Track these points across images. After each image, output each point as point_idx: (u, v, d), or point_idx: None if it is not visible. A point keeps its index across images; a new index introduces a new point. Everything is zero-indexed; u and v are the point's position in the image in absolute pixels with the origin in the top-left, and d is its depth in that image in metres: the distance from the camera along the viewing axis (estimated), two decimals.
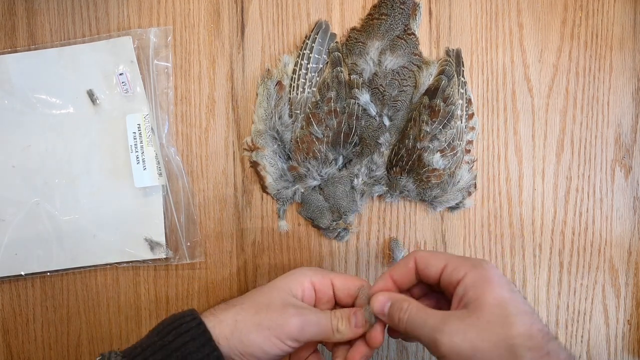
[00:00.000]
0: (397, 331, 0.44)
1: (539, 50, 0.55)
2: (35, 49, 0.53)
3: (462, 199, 0.54)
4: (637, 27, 0.55)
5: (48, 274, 0.55)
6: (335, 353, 0.46)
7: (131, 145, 0.53)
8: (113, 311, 0.56)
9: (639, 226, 0.56)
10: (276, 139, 0.53)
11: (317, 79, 0.53)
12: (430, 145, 0.51)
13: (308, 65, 0.52)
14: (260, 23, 0.54)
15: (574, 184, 0.56)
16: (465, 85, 0.54)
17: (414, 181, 0.52)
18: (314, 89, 0.53)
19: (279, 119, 0.52)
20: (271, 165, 0.53)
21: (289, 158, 0.53)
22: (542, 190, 0.56)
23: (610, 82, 0.55)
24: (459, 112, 0.52)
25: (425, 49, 0.54)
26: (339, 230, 0.54)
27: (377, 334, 0.43)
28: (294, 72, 0.53)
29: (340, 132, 0.51)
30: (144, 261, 0.55)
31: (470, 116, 0.54)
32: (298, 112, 0.52)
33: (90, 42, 0.53)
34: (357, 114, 0.52)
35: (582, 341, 0.57)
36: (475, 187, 0.55)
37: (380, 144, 0.52)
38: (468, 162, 0.54)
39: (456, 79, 0.52)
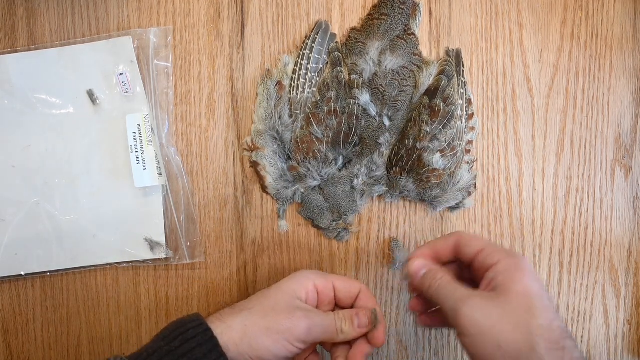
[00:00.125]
0: (424, 319, 0.46)
1: (539, 50, 0.55)
2: (35, 49, 0.53)
3: (462, 199, 0.54)
4: (637, 27, 0.55)
5: (48, 274, 0.55)
6: (335, 353, 0.47)
7: (131, 145, 0.53)
8: (113, 311, 0.56)
9: (639, 226, 0.56)
10: (276, 139, 0.53)
11: (317, 79, 0.53)
12: (430, 145, 0.51)
13: (308, 65, 0.52)
14: (260, 23, 0.54)
15: (574, 184, 0.56)
16: (465, 85, 0.54)
17: (414, 181, 0.52)
18: (314, 89, 0.53)
19: (279, 119, 0.52)
20: (271, 165, 0.53)
21: (289, 158, 0.53)
22: (542, 190, 0.56)
23: (610, 82, 0.55)
24: (459, 112, 0.52)
25: (425, 49, 0.54)
26: (339, 230, 0.54)
27: (380, 334, 0.46)
28: (294, 72, 0.53)
29: (340, 132, 0.51)
30: (144, 261, 0.55)
31: (470, 116, 0.54)
32: (298, 112, 0.52)
33: (90, 42, 0.53)
34: (357, 114, 0.52)
35: (582, 341, 0.57)
36: (475, 187, 0.55)
37: (380, 144, 0.52)
38: (468, 162, 0.54)
39: (456, 79, 0.52)
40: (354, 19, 0.54)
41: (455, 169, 0.52)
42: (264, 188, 0.54)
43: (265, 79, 0.53)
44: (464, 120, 0.53)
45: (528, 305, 0.38)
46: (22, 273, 0.54)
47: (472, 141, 0.54)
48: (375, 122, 0.52)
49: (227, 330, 0.42)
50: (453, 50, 0.54)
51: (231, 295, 0.56)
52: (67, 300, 0.56)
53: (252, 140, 0.53)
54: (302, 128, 0.52)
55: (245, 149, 0.54)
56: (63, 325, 0.56)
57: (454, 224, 0.56)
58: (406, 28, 0.53)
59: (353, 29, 0.54)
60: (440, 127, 0.51)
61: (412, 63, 0.53)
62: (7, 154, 0.54)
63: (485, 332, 0.38)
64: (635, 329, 0.57)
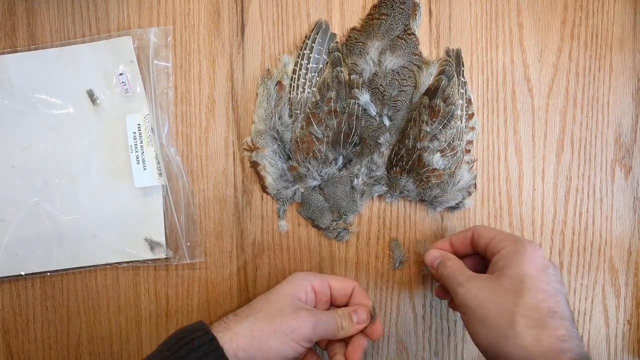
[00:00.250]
0: (442, 293, 0.51)
1: (539, 50, 0.55)
2: (35, 49, 0.53)
3: (462, 199, 0.54)
4: (637, 27, 0.55)
5: (48, 274, 0.55)
6: (332, 351, 0.49)
7: (131, 145, 0.53)
8: (113, 311, 0.56)
9: (639, 226, 0.56)
10: (276, 139, 0.53)
11: (317, 79, 0.53)
12: (430, 145, 0.51)
13: (308, 65, 0.52)
14: (260, 23, 0.54)
15: (574, 184, 0.56)
16: (465, 85, 0.54)
17: (414, 181, 0.52)
18: (314, 89, 0.53)
19: (279, 119, 0.52)
20: (271, 165, 0.53)
21: (289, 158, 0.53)
22: (542, 190, 0.56)
23: (610, 82, 0.55)
24: (459, 112, 0.52)
25: (425, 49, 0.54)
26: (339, 230, 0.54)
27: (378, 327, 0.49)
28: (294, 72, 0.53)
29: (340, 132, 0.51)
30: (144, 261, 0.55)
31: (470, 116, 0.54)
32: (298, 112, 0.52)
33: (90, 42, 0.53)
34: (357, 114, 0.52)
35: (582, 341, 0.57)
36: (475, 187, 0.55)
37: (380, 144, 0.52)
38: (468, 162, 0.54)
39: (456, 79, 0.52)
40: (354, 19, 0.54)
41: (455, 169, 0.52)
42: (264, 188, 0.54)
43: (265, 79, 0.53)
44: (464, 120, 0.53)
45: (517, 286, 0.41)
46: (22, 273, 0.54)
47: (472, 141, 0.54)
48: (375, 122, 0.52)
49: (235, 337, 0.43)
50: (453, 50, 0.54)
51: (231, 295, 0.56)
52: (67, 300, 0.56)
53: (252, 140, 0.53)
54: (302, 128, 0.52)
55: (245, 149, 0.54)
56: (63, 325, 0.56)
57: (454, 224, 0.56)
58: (406, 28, 0.53)
59: (353, 29, 0.54)
60: (440, 127, 0.51)
61: (412, 63, 0.53)
62: (7, 154, 0.54)
63: (475, 310, 0.42)
64: (635, 329, 0.57)
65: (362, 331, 0.49)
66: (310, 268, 0.56)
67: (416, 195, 0.53)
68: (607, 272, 0.57)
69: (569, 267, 0.56)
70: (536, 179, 0.56)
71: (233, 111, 0.55)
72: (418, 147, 0.51)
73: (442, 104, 0.51)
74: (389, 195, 0.54)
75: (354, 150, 0.53)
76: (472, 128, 0.54)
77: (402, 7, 0.52)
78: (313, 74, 0.53)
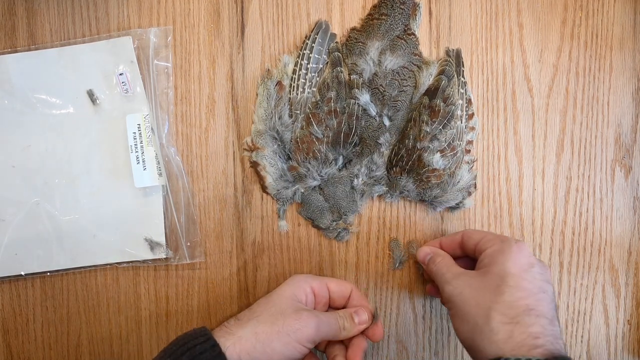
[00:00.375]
0: (434, 291, 0.52)
1: (539, 50, 0.55)
2: (36, 49, 0.53)
3: (462, 199, 0.54)
4: (637, 27, 0.55)
5: (48, 274, 0.55)
6: (332, 353, 0.49)
7: (131, 145, 0.53)
8: (113, 311, 0.56)
9: (639, 226, 0.56)
10: (276, 139, 0.53)
11: (317, 79, 0.53)
12: (430, 145, 0.51)
13: (308, 65, 0.52)
14: (260, 23, 0.54)
15: (574, 184, 0.56)
16: (465, 85, 0.54)
17: (414, 181, 0.52)
18: (314, 89, 0.53)
19: (279, 119, 0.52)
20: (271, 165, 0.53)
21: (289, 158, 0.53)
22: (542, 190, 0.56)
23: (610, 82, 0.55)
24: (459, 112, 0.52)
25: (425, 49, 0.54)
26: (339, 230, 0.54)
27: (379, 329, 0.49)
28: (294, 72, 0.53)
29: (340, 132, 0.51)
30: (144, 261, 0.55)
31: (470, 116, 0.54)
32: (298, 112, 0.52)
33: (90, 42, 0.53)
34: (357, 114, 0.52)
35: (582, 341, 0.57)
36: (475, 187, 0.55)
37: (380, 144, 0.52)
38: (468, 162, 0.54)
39: (456, 79, 0.52)
40: (354, 19, 0.54)
41: (455, 169, 0.52)
42: (264, 188, 0.54)
43: (265, 79, 0.53)
44: (464, 120, 0.53)
45: (498, 283, 0.41)
46: (22, 273, 0.54)
47: (472, 141, 0.54)
48: (375, 122, 0.52)
49: (239, 341, 0.44)
50: (453, 50, 0.54)
51: (231, 295, 0.56)
52: (67, 300, 0.56)
53: (252, 140, 0.53)
54: (302, 128, 0.52)
55: (245, 149, 0.54)
56: (63, 325, 0.56)
57: (454, 224, 0.56)
58: (406, 28, 0.53)
59: (353, 29, 0.54)
60: (440, 127, 0.51)
61: (412, 63, 0.53)
62: (7, 154, 0.54)
63: (459, 307, 0.43)
64: (635, 329, 0.57)
65: (363, 332, 0.49)
66: (310, 268, 0.56)
67: (416, 195, 0.53)
68: (607, 272, 0.57)
69: (569, 267, 0.56)
70: (536, 179, 0.56)
71: (233, 111, 0.55)
72: (418, 147, 0.51)
73: (442, 104, 0.51)
74: (389, 195, 0.54)
75: (354, 150, 0.53)
76: (472, 128, 0.54)
77: (402, 7, 0.52)
78: (313, 74, 0.53)
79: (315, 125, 0.51)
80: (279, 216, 0.55)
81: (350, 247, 0.56)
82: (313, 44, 0.53)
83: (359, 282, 0.56)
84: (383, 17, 0.52)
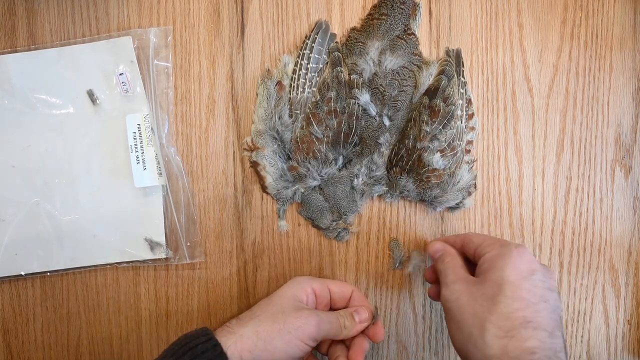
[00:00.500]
0: (434, 294, 0.50)
1: (539, 50, 0.55)
2: (35, 49, 0.53)
3: (462, 199, 0.54)
4: (637, 27, 0.55)
5: (48, 274, 0.55)
6: (334, 354, 0.50)
7: (131, 145, 0.53)
8: (113, 311, 0.56)
9: (639, 226, 0.56)
10: (276, 139, 0.53)
11: (317, 79, 0.53)
12: (430, 145, 0.51)
13: (308, 65, 0.52)
14: (260, 23, 0.54)
15: (574, 184, 0.56)
16: (465, 85, 0.54)
17: (414, 181, 0.52)
18: (314, 89, 0.53)
19: (279, 119, 0.52)
20: (271, 165, 0.53)
21: (289, 158, 0.53)
22: (542, 190, 0.56)
23: (610, 82, 0.55)
24: (459, 112, 0.52)
25: (425, 49, 0.54)
26: (339, 230, 0.54)
27: (380, 329, 0.50)
28: (294, 72, 0.53)
29: (340, 132, 0.51)
30: (144, 261, 0.55)
31: (470, 116, 0.54)
32: (298, 112, 0.52)
33: (90, 42, 0.53)
34: (357, 114, 0.52)
35: (582, 341, 0.57)
36: (475, 187, 0.55)
37: (380, 144, 0.52)
38: (468, 162, 0.54)
39: (456, 79, 0.52)
40: (354, 19, 0.54)
41: (455, 169, 0.52)
42: (264, 188, 0.54)
43: (265, 79, 0.53)
44: (464, 120, 0.53)
45: (495, 293, 0.40)
46: (22, 273, 0.54)
47: (472, 141, 0.54)
48: (375, 122, 0.52)
49: (240, 339, 0.44)
50: (453, 50, 0.54)
51: (231, 295, 0.56)
52: (67, 300, 0.56)
53: (252, 140, 0.53)
54: (302, 128, 0.52)
55: (245, 149, 0.54)
56: (63, 325, 0.56)
57: (454, 224, 0.56)
58: (406, 28, 0.53)
59: (353, 29, 0.54)
60: (440, 127, 0.51)
61: (412, 63, 0.53)
62: (7, 154, 0.54)
63: (454, 313, 0.42)
64: (635, 329, 0.57)
65: (364, 333, 0.50)
66: (310, 268, 0.56)
67: (416, 195, 0.53)
68: (607, 272, 0.57)
69: (569, 267, 0.56)
70: (536, 179, 0.56)
71: (233, 111, 0.55)
72: (418, 147, 0.51)
73: (442, 104, 0.51)
74: (389, 195, 0.54)
75: (354, 150, 0.53)
76: (472, 128, 0.54)
77: (402, 7, 0.52)
78: (313, 74, 0.53)
79: (315, 125, 0.51)
80: (279, 216, 0.55)
81: (350, 247, 0.56)
82: (313, 44, 0.53)
83: (359, 282, 0.56)
84: (383, 17, 0.52)
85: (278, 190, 0.53)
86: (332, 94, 0.51)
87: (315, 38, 0.53)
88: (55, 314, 0.56)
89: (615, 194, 0.56)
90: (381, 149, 0.52)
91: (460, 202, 0.54)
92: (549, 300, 0.40)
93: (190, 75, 0.54)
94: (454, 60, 0.53)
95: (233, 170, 0.55)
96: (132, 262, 0.55)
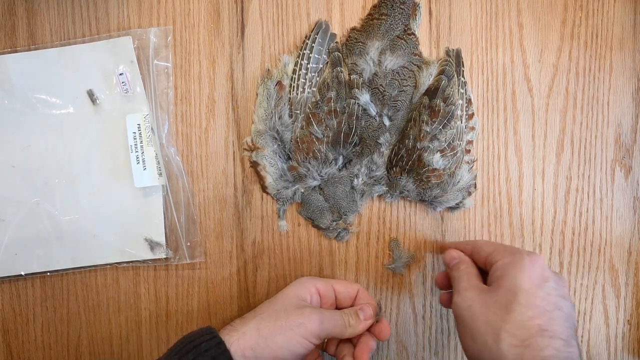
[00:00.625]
0: (446, 301, 0.50)
1: (539, 50, 0.55)
2: (35, 49, 0.53)
3: (462, 199, 0.54)
4: (637, 27, 0.55)
5: (48, 274, 0.55)
6: (341, 353, 0.50)
7: (131, 145, 0.53)
8: (113, 311, 0.56)
9: (639, 226, 0.56)
10: (276, 139, 0.53)
11: (317, 79, 0.53)
12: (430, 145, 0.51)
13: (308, 65, 0.52)
14: (260, 23, 0.54)
15: (574, 184, 0.56)
16: (465, 85, 0.54)
17: (414, 181, 0.52)
18: (314, 89, 0.53)
19: (279, 119, 0.52)
20: (271, 165, 0.53)
21: (289, 158, 0.53)
22: (542, 190, 0.56)
23: (610, 82, 0.55)
24: (459, 112, 0.52)
25: (425, 49, 0.54)
26: (339, 230, 0.54)
27: (385, 326, 0.50)
28: (294, 72, 0.53)
29: (340, 132, 0.51)
30: (144, 261, 0.55)
31: (470, 116, 0.54)
32: (298, 112, 0.52)
33: (90, 42, 0.53)
34: (357, 114, 0.52)
35: (582, 341, 0.57)
36: (475, 187, 0.55)
37: (380, 144, 0.52)
38: (468, 162, 0.54)
39: (456, 79, 0.52)
40: (354, 19, 0.54)
41: (455, 169, 0.52)
42: (264, 188, 0.54)
43: (265, 79, 0.53)
44: (464, 120, 0.53)
45: (509, 300, 0.39)
46: (22, 273, 0.54)
47: (472, 141, 0.54)
48: (375, 122, 0.52)
49: (242, 337, 0.44)
50: (453, 50, 0.54)
51: (231, 295, 0.56)
52: (67, 300, 0.56)
53: (252, 140, 0.53)
54: (302, 128, 0.52)
55: (245, 149, 0.54)
56: (63, 325, 0.56)
57: (454, 224, 0.56)
58: (406, 28, 0.53)
59: (353, 29, 0.54)
60: (440, 127, 0.51)
61: (412, 63, 0.53)
62: (7, 154, 0.54)
63: (466, 321, 0.41)
64: (635, 329, 0.57)
65: (370, 331, 0.50)
66: (310, 268, 0.56)
67: (416, 195, 0.53)
68: (607, 272, 0.57)
69: (569, 267, 0.56)
70: (536, 179, 0.56)
71: (233, 111, 0.55)
72: (418, 147, 0.51)
73: (442, 104, 0.51)
74: (389, 195, 0.54)
75: (354, 150, 0.53)
76: (472, 128, 0.54)
77: (402, 7, 0.52)
78: (313, 74, 0.53)
79: (315, 125, 0.51)
80: (279, 216, 0.55)
81: (350, 247, 0.56)
82: (313, 44, 0.53)
83: (359, 282, 0.56)
84: (383, 17, 0.52)
85: (278, 190, 0.53)
86: (332, 94, 0.51)
87: (315, 38, 0.53)
88: (55, 314, 0.56)
89: (615, 194, 0.56)
90: (381, 149, 0.52)
91: (460, 202, 0.54)
92: (562, 308, 0.39)
93: (190, 75, 0.54)
94: (454, 60, 0.53)
95: (233, 170, 0.55)
96: (132, 262, 0.55)
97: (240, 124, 0.55)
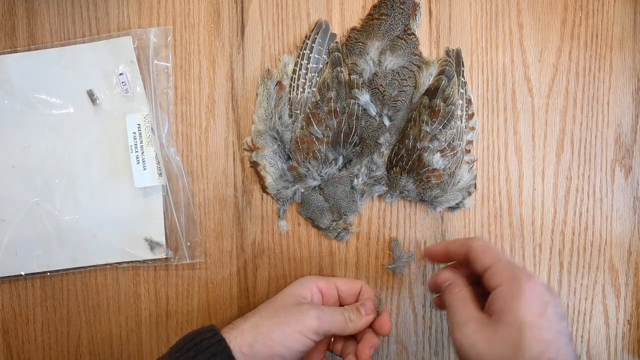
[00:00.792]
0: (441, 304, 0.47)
1: (539, 50, 0.55)
2: (36, 49, 0.53)
3: (462, 199, 0.54)
4: (637, 27, 0.55)
5: (48, 274, 0.55)
6: (345, 351, 0.50)
7: (131, 145, 0.53)
8: (113, 311, 0.56)
9: (639, 226, 0.56)
10: (276, 139, 0.53)
11: (317, 79, 0.53)
12: (430, 145, 0.51)
13: (308, 65, 0.52)
14: (260, 23, 0.54)
15: (574, 184, 0.56)
16: (465, 85, 0.54)
17: (414, 181, 0.52)
18: (314, 89, 0.53)
19: (279, 119, 0.52)
20: (271, 165, 0.53)
21: (289, 158, 0.53)
22: (542, 190, 0.56)
23: (610, 82, 0.55)
24: (459, 112, 0.52)
25: (425, 49, 0.54)
26: (339, 230, 0.54)
27: (386, 321, 0.49)
28: (294, 72, 0.53)
29: (340, 132, 0.51)
30: (144, 261, 0.55)
31: (470, 116, 0.54)
32: (298, 112, 0.52)
33: (90, 42, 0.53)
34: (357, 114, 0.52)
35: (582, 341, 0.57)
36: (475, 187, 0.55)
37: (380, 144, 0.52)
38: (468, 162, 0.54)
39: (456, 79, 0.52)
40: (354, 19, 0.54)
41: (455, 169, 0.52)
42: (264, 188, 0.54)
43: (265, 79, 0.53)
44: (464, 120, 0.53)
45: (517, 338, 0.38)
46: (22, 273, 0.54)
47: (472, 141, 0.54)
48: (375, 122, 0.52)
49: (241, 334, 0.44)
50: (453, 50, 0.54)
51: (231, 295, 0.56)
52: (67, 300, 0.56)
53: (252, 140, 0.53)
54: (302, 128, 0.52)
55: (245, 149, 0.54)
56: (63, 325, 0.56)
57: (454, 224, 0.56)
58: (406, 28, 0.53)
59: (353, 29, 0.54)
60: (440, 127, 0.51)
61: (412, 63, 0.53)
62: (7, 154, 0.54)
63: (472, 359, 0.39)
64: (635, 329, 0.57)
65: (371, 326, 0.49)
66: (310, 268, 0.56)
67: (416, 195, 0.53)
68: (607, 272, 0.57)
69: (569, 267, 0.56)
70: (536, 179, 0.56)
71: (233, 111, 0.55)
72: (418, 147, 0.51)
73: (442, 104, 0.51)
74: (389, 195, 0.54)
75: (354, 150, 0.53)
76: (472, 128, 0.54)
77: (402, 7, 0.52)
78: (313, 74, 0.53)
79: (315, 125, 0.51)
80: (279, 216, 0.55)
81: (350, 247, 0.56)
82: (313, 44, 0.53)
83: None
84: (383, 17, 0.52)
85: (278, 190, 0.53)
86: (332, 94, 0.51)
87: (315, 38, 0.53)
88: (55, 314, 0.56)
89: (615, 194, 0.56)
90: (381, 149, 0.52)
91: (460, 202, 0.54)
92: (564, 332, 0.39)
93: (190, 75, 0.54)
94: (454, 60, 0.53)
95: (233, 170, 0.55)
96: (132, 262, 0.55)
97: (240, 124, 0.55)
